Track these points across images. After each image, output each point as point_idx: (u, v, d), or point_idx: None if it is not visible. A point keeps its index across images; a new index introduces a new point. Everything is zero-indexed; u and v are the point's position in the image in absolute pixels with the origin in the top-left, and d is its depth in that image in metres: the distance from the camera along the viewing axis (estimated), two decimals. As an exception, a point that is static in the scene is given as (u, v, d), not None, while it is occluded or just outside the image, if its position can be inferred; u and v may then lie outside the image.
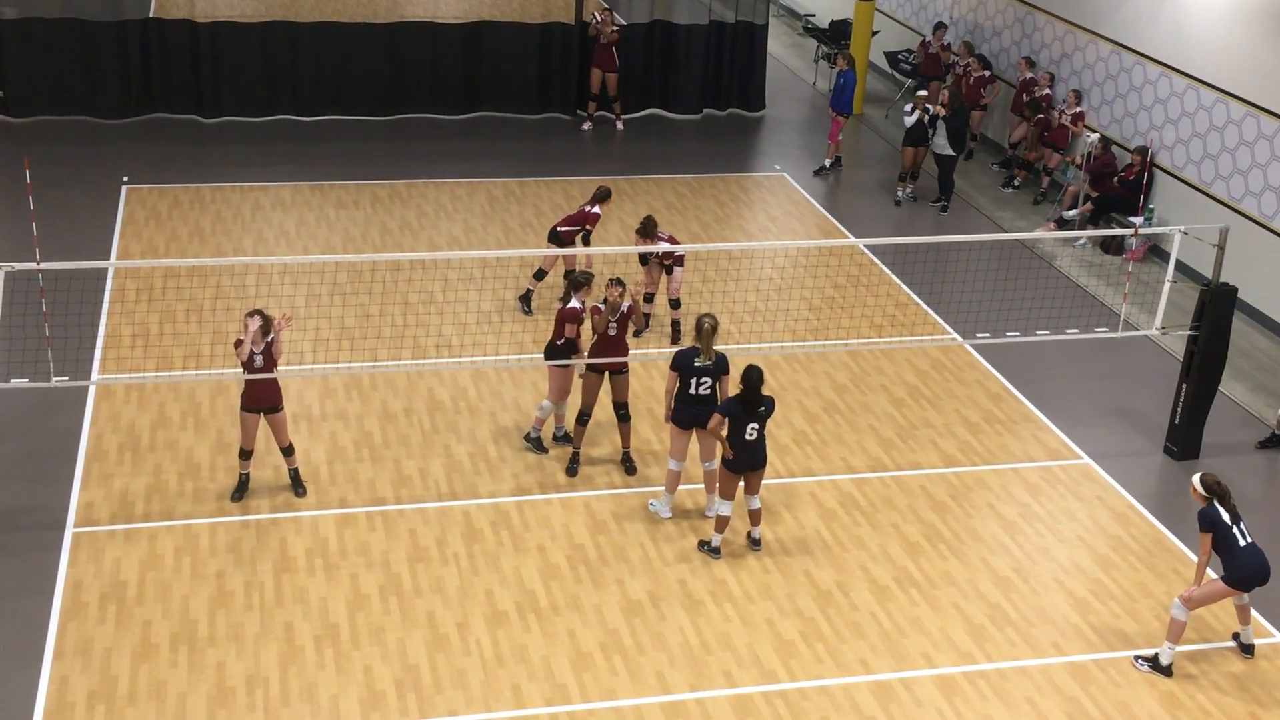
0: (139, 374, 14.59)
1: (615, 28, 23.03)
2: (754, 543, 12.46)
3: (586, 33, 23.08)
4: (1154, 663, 11.24)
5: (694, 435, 12.61)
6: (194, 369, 14.72)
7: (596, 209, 16.11)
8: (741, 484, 12.20)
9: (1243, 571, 10.93)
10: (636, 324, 13.46)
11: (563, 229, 16.12)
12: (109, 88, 22.05)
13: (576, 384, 13.59)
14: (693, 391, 12.40)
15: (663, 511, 12.82)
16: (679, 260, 15.66)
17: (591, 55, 23.06)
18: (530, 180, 20.79)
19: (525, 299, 16.46)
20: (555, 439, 13.85)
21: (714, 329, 12.35)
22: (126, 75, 22.07)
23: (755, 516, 12.40)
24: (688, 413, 12.45)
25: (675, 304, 15.92)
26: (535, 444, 13.74)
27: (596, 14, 23.31)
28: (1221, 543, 10.94)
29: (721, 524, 12.27)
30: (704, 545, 12.41)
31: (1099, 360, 16.28)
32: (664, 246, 15.19)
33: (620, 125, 23.32)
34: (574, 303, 13.12)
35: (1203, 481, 11.05)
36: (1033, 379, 15.75)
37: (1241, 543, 10.92)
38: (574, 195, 20.12)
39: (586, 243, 16.27)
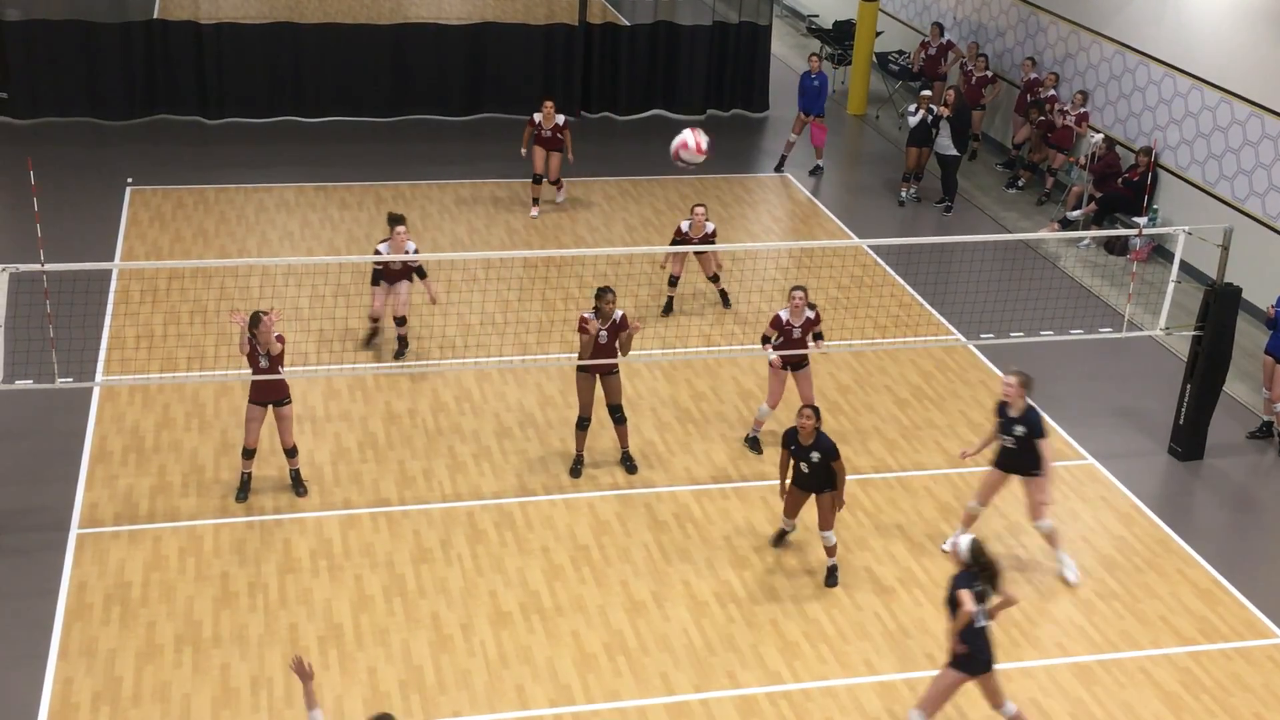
0: (143, 375, 14.60)
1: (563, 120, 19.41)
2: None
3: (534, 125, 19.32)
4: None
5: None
6: (198, 370, 14.72)
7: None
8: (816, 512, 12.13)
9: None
10: (624, 345, 13.27)
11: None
12: (113, 89, 22.07)
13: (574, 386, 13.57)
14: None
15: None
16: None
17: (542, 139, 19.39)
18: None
19: (723, 296, 16.94)
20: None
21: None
22: (131, 77, 22.10)
23: (831, 551, 12.16)
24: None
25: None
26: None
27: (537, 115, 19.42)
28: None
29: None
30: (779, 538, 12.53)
31: (1103, 361, 16.27)
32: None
33: (559, 197, 19.82)
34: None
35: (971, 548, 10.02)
36: (1037, 379, 15.64)
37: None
38: (575, 197, 20.11)
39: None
